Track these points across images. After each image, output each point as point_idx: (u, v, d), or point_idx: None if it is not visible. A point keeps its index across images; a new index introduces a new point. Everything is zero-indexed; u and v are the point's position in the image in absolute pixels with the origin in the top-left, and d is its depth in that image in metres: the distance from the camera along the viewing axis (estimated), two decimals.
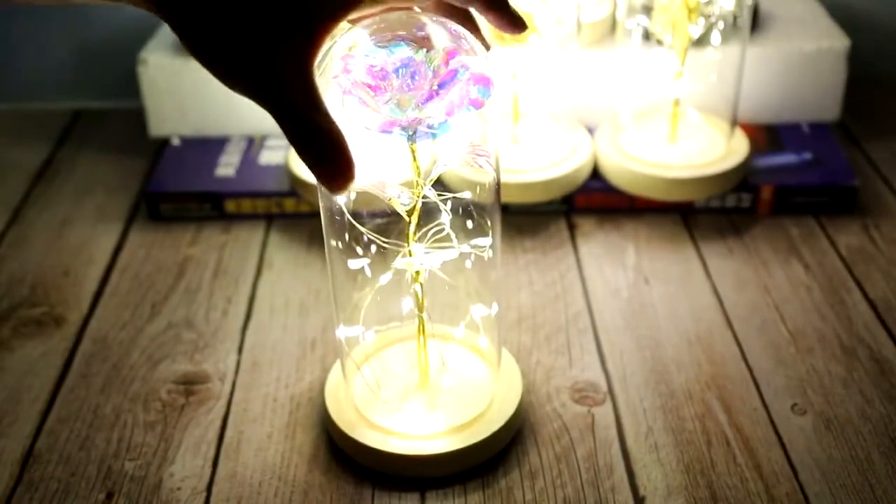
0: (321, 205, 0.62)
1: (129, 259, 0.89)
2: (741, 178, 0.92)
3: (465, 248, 0.62)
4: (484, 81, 0.54)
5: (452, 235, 0.61)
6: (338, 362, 0.71)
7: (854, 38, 1.00)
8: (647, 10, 0.89)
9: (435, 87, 0.53)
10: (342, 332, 0.68)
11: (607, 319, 0.80)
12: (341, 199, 0.60)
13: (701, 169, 0.91)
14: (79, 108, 1.16)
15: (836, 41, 1.00)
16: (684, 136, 0.95)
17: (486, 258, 0.64)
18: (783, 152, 0.97)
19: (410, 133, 0.54)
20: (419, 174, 0.57)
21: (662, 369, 0.75)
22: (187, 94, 1.01)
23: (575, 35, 0.91)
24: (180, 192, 0.94)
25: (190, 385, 0.74)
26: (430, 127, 0.54)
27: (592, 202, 0.94)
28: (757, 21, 1.02)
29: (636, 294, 0.83)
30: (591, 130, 0.97)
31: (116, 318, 0.82)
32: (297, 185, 0.93)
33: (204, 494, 0.65)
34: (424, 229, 0.61)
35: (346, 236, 0.62)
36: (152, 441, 0.69)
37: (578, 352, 0.77)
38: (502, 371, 0.70)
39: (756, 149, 0.96)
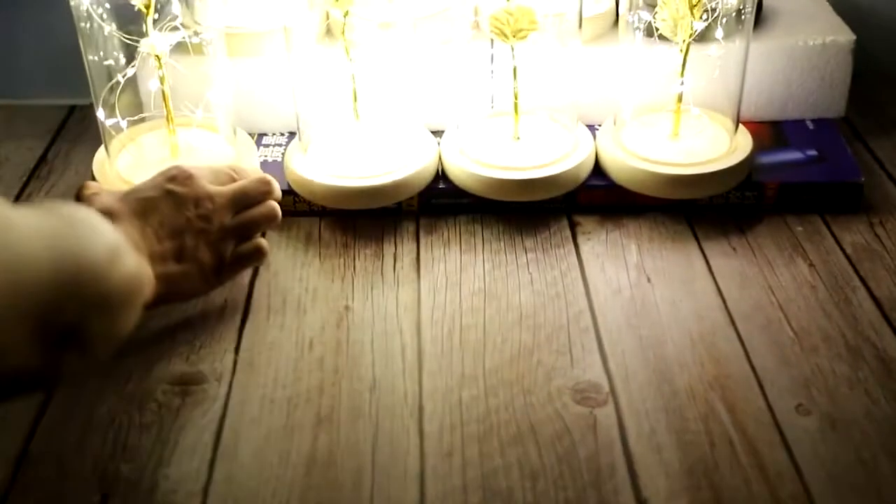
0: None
1: None
2: (745, 176, 0.91)
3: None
4: None
5: None
6: None
7: (859, 33, 0.99)
8: (650, 5, 0.88)
9: None
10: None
11: (609, 319, 0.79)
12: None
13: (704, 166, 0.90)
14: (73, 104, 1.15)
15: (840, 36, 0.99)
16: (687, 132, 0.94)
17: None
18: (787, 149, 0.96)
19: None
20: None
21: (665, 369, 0.74)
22: None
23: (576, 30, 0.90)
24: None
25: (186, 386, 0.74)
26: None
27: (594, 200, 0.93)
28: (761, 16, 1.02)
29: (638, 293, 0.82)
30: (592, 127, 0.97)
31: None
32: (293, 183, 0.92)
33: (200, 497, 0.65)
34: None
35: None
36: (148, 443, 0.69)
37: (580, 352, 0.76)
38: None
39: (760, 145, 0.95)
